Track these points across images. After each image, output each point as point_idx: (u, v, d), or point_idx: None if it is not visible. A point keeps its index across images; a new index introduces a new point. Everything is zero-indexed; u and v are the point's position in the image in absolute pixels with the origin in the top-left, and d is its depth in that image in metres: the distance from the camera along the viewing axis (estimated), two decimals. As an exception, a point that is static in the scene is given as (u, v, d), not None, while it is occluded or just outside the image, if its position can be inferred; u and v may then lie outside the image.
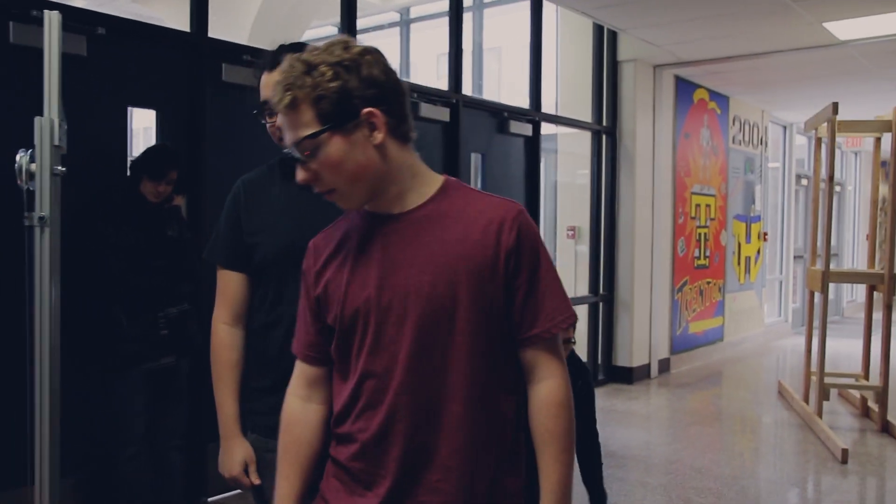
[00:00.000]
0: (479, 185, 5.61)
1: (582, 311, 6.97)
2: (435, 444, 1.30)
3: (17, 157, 1.67)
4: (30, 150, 1.68)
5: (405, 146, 1.32)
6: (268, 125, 1.92)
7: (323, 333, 1.40)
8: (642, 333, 7.09)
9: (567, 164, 7.50)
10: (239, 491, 4.07)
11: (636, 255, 6.98)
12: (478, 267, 1.28)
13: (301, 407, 1.43)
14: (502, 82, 11.91)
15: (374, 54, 1.27)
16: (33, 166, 1.65)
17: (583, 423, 3.13)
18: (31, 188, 1.68)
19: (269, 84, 1.89)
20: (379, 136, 1.26)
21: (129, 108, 3.70)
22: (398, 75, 1.30)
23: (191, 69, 3.81)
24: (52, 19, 1.75)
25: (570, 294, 6.96)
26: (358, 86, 1.23)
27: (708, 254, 8.12)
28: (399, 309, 1.29)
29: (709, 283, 8.15)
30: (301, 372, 1.45)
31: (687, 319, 7.75)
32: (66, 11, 3.12)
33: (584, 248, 7.06)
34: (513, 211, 1.31)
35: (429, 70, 11.43)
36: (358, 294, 1.32)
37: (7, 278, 3.09)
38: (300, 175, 1.29)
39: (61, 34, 1.78)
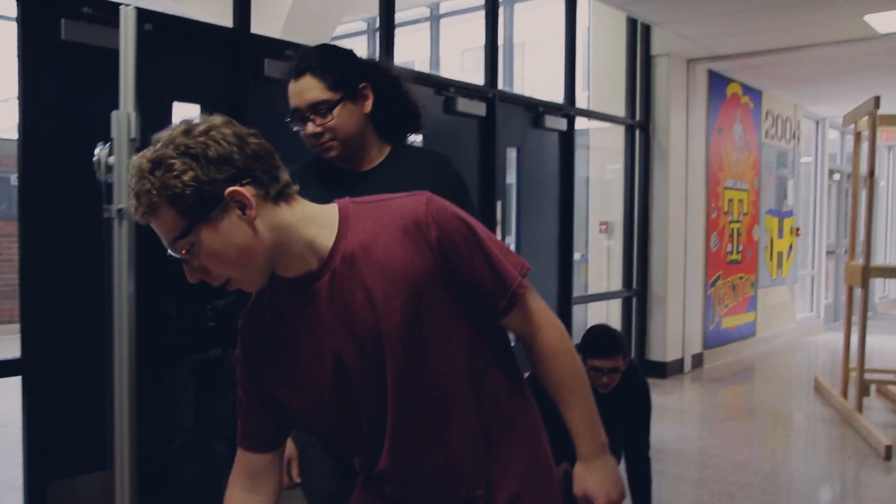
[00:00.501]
0: (514, 181, 5.62)
1: (615, 306, 6.96)
2: (456, 458, 1.28)
3: (96, 151, 1.70)
4: (108, 144, 1.71)
5: (286, 203, 1.20)
6: (301, 133, 1.96)
7: (271, 418, 1.34)
8: (675, 328, 7.06)
9: (598, 159, 7.48)
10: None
11: (669, 249, 6.95)
12: (422, 277, 1.21)
13: (243, 498, 1.36)
14: (526, 77, 11.89)
15: (219, 128, 1.15)
16: (111, 159, 1.68)
17: (635, 444, 3.10)
18: (109, 181, 1.71)
19: (296, 93, 1.93)
20: (252, 213, 1.15)
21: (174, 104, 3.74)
22: (253, 140, 1.18)
23: (234, 64, 3.85)
24: (127, 15, 1.78)
25: (603, 289, 6.96)
26: (211, 170, 1.12)
27: (740, 249, 8.06)
28: (370, 361, 1.23)
29: (741, 278, 8.09)
30: (244, 462, 1.37)
31: (720, 314, 7.70)
32: (116, 8, 3.17)
33: (616, 243, 7.04)
34: (420, 206, 1.22)
35: (453, 65, 11.44)
36: (324, 373, 1.25)
37: (83, 269, 3.22)
38: (189, 277, 1.20)
39: (136, 30, 1.81)
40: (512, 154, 5.55)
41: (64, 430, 3.28)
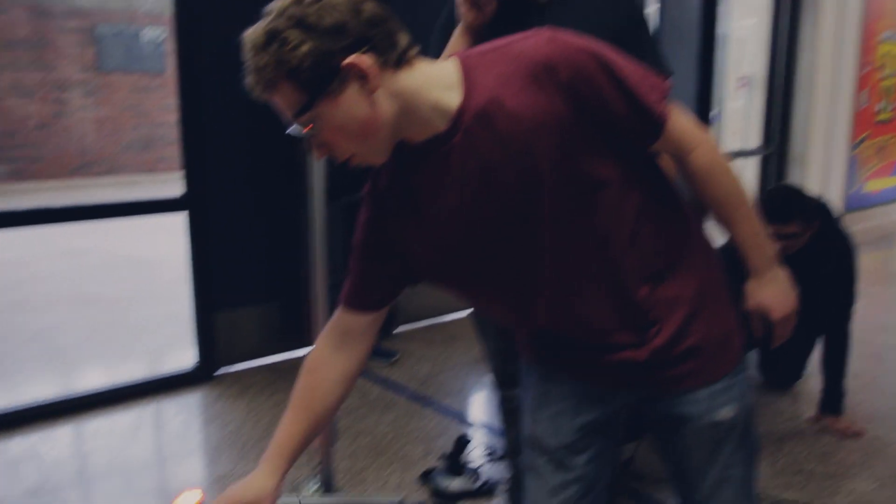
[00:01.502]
0: (653, 31, 5.33)
1: (751, 165, 6.69)
2: (622, 296, 1.23)
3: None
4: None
5: (406, 68, 1.14)
6: None
7: (388, 276, 1.30)
8: (814, 190, 6.73)
9: (738, 12, 7.01)
10: (425, 323, 4.26)
11: (814, 107, 6.53)
12: (560, 122, 1.12)
13: (329, 355, 1.33)
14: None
15: None
16: None
17: (833, 315, 2.80)
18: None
19: None
20: (373, 83, 1.09)
21: None
22: (367, 4, 1.10)
23: None
24: None
25: (740, 146, 6.68)
26: (328, 40, 1.06)
27: (892, 108, 7.51)
28: (514, 217, 1.18)
29: (890, 139, 7.58)
30: (340, 320, 1.33)
31: (863, 177, 7.29)
32: None
33: (754, 100, 6.68)
34: (544, 46, 1.12)
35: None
36: (463, 234, 1.20)
37: (236, 116, 3.38)
38: (315, 154, 1.17)
39: None
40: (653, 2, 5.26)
41: (226, 264, 3.47)
